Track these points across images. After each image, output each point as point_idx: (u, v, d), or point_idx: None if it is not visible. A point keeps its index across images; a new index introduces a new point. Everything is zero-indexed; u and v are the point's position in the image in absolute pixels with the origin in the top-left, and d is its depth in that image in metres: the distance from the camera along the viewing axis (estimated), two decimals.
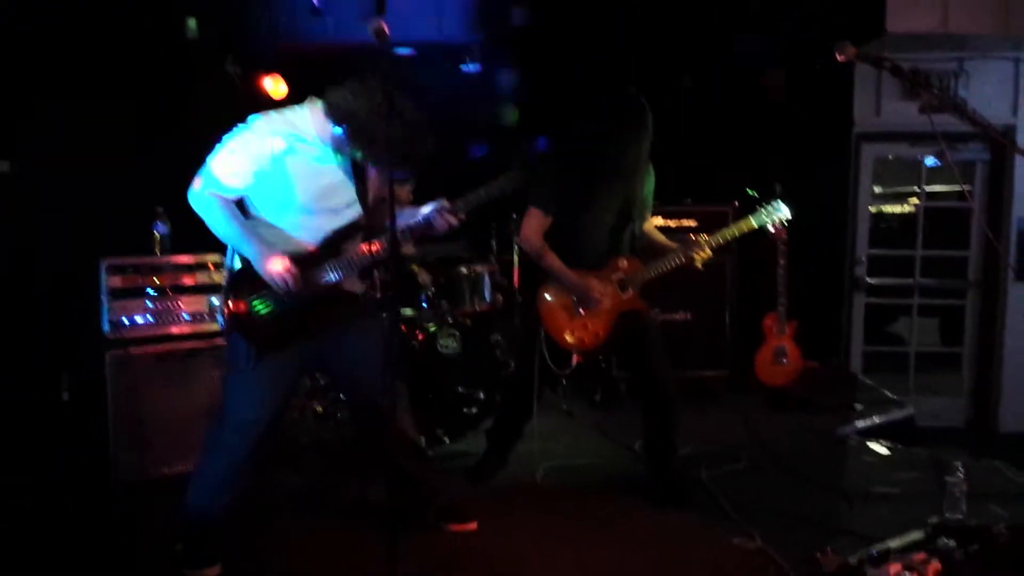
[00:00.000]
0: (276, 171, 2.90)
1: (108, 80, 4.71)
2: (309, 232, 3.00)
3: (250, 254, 2.91)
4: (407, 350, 4.43)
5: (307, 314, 3.01)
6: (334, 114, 2.93)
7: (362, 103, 2.87)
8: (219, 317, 3.15)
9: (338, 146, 2.98)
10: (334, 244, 3.03)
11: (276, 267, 2.88)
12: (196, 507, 3.07)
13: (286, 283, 2.89)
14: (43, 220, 4.30)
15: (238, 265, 2.96)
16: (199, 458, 3.15)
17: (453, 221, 3.14)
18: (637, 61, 6.27)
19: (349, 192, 3.06)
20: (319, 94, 2.99)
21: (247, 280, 2.94)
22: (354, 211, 3.07)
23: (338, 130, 2.93)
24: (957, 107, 2.59)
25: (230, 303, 2.96)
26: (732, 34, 5.99)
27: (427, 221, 3.12)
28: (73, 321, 4.01)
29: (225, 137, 2.92)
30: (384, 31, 2.63)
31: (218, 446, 3.06)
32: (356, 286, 3.12)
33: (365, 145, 2.92)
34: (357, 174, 3.07)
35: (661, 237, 3.99)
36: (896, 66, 2.68)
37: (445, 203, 3.13)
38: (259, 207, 2.99)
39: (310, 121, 2.98)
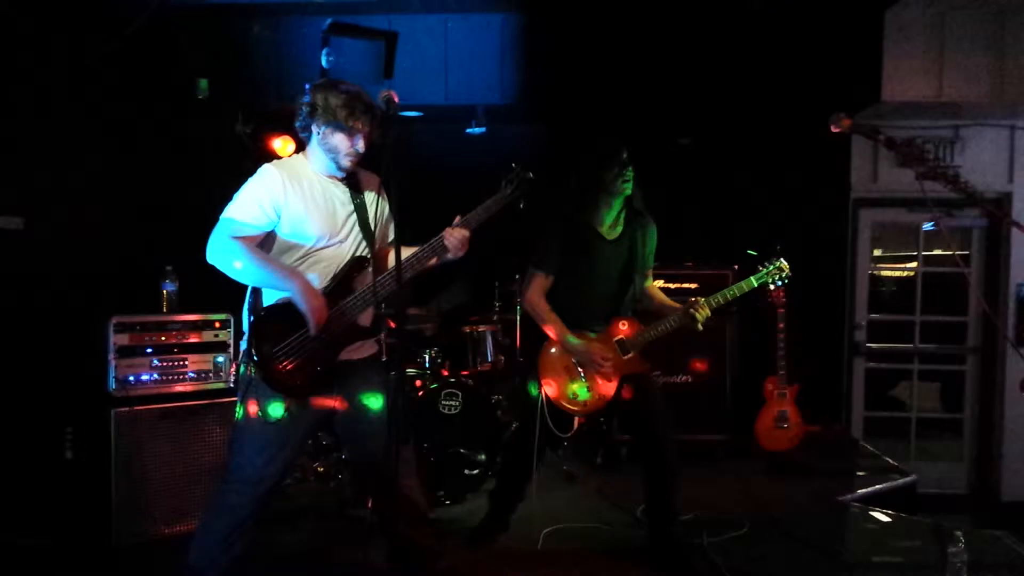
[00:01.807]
0: (288, 210, 2.97)
1: (119, 139, 4.80)
2: (322, 267, 3.05)
3: (289, 287, 2.93)
4: (409, 410, 4.44)
5: (326, 360, 3.03)
6: (305, 127, 3.03)
7: (312, 99, 3.00)
8: (237, 370, 3.14)
9: (328, 152, 3.05)
10: (345, 281, 3.08)
11: (316, 300, 2.93)
12: (196, 567, 3.05)
13: (320, 317, 2.93)
14: (52, 277, 4.34)
15: (254, 316, 3.00)
16: (203, 516, 3.14)
17: (464, 233, 3.15)
18: (635, 121, 6.40)
19: (353, 225, 3.12)
20: None
21: (269, 328, 2.97)
22: (359, 244, 3.12)
23: (315, 136, 3.03)
24: (948, 178, 2.66)
25: (254, 352, 2.96)
26: (731, 96, 6.10)
27: (440, 242, 3.13)
28: (79, 378, 4.03)
29: (239, 189, 3.00)
30: (393, 99, 2.72)
31: (223, 503, 3.06)
32: (367, 321, 3.15)
33: (332, 119, 2.98)
34: (360, 209, 3.13)
35: (663, 296, 4.03)
36: (890, 139, 2.76)
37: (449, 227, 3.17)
38: (274, 250, 3.04)
39: (306, 160, 3.10)
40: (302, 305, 2.93)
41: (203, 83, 5.57)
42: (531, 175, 3.30)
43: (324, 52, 5.61)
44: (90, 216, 4.57)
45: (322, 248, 3.05)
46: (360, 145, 3.06)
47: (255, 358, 2.95)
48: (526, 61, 6.03)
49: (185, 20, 5.36)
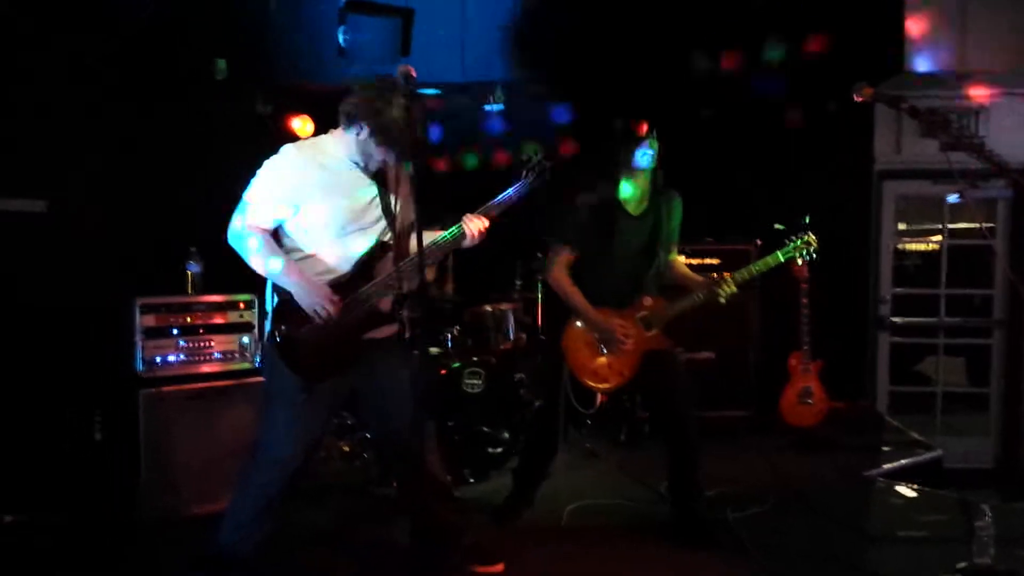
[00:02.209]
0: (310, 196, 2.98)
1: (141, 120, 4.81)
2: (344, 255, 3.06)
3: (291, 286, 2.97)
4: (433, 389, 4.46)
5: (348, 343, 3.05)
6: (350, 118, 3.01)
7: (370, 97, 2.97)
8: (260, 353, 3.18)
9: (361, 153, 3.04)
10: (367, 267, 3.09)
11: (317, 297, 2.95)
12: (227, 544, 3.10)
13: (328, 312, 2.95)
14: (78, 259, 4.37)
15: (278, 298, 3.02)
16: (233, 494, 3.19)
17: (485, 222, 3.17)
18: (656, 94, 6.35)
19: (377, 210, 3.12)
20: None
21: (291, 311, 2.99)
22: (381, 229, 3.12)
23: (355, 131, 3.00)
24: (974, 147, 2.62)
25: (278, 335, 2.99)
26: (754, 68, 6.03)
27: (459, 229, 3.14)
28: (107, 360, 4.06)
29: (259, 170, 3.01)
30: (412, 74, 2.70)
31: (253, 482, 3.10)
32: (387, 305, 3.16)
33: (383, 136, 2.98)
34: (383, 194, 3.13)
35: (687, 271, 4.01)
36: (913, 107, 2.71)
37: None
38: (294, 236, 3.05)
39: (334, 144, 3.08)
40: (303, 303, 2.96)
41: (221, 63, 5.57)
42: (550, 163, 3.28)
43: (341, 30, 5.60)
44: (113, 198, 4.58)
45: (345, 234, 3.05)
46: (392, 160, 3.07)
47: (278, 340, 2.97)
48: (544, 35, 5.99)
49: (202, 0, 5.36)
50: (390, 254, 3.13)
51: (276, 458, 3.06)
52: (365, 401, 3.26)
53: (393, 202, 3.13)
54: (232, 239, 3.02)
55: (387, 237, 3.12)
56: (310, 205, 2.99)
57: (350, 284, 3.05)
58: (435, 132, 6.21)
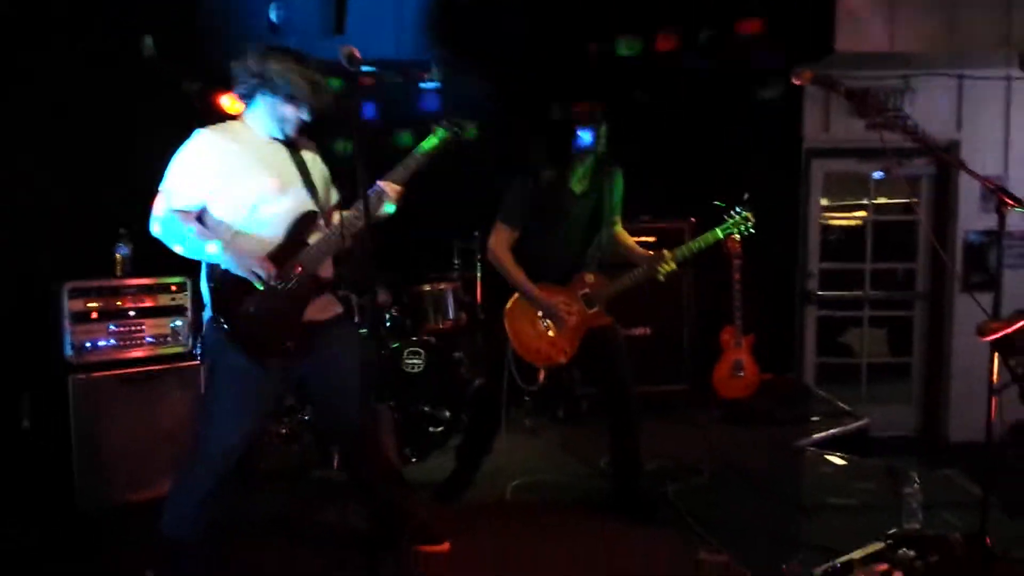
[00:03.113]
0: (227, 174, 2.94)
1: (65, 100, 4.65)
2: (272, 225, 3.02)
3: (222, 259, 2.91)
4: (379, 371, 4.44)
5: (292, 313, 3.02)
6: (248, 95, 3.00)
7: (255, 66, 2.96)
8: (201, 344, 3.11)
9: (275, 120, 3.02)
10: (298, 234, 3.06)
11: (249, 260, 2.91)
12: (172, 532, 3.04)
13: (267, 272, 2.91)
14: (3, 242, 4.22)
15: (213, 282, 2.96)
16: (174, 482, 3.13)
17: (395, 187, 3.13)
18: (590, 76, 6.37)
19: (297, 180, 3.10)
20: None
21: (229, 289, 2.93)
22: (306, 200, 3.10)
23: (259, 103, 2.99)
24: (906, 129, 2.71)
25: (222, 319, 2.93)
26: (683, 50, 6.09)
27: (375, 194, 3.09)
28: (35, 346, 3.94)
29: (173, 156, 2.96)
30: (356, 55, 2.66)
31: (195, 473, 3.05)
32: (329, 272, 3.16)
33: (285, 93, 2.96)
34: (299, 164, 3.12)
35: (631, 243, 4.04)
36: (850, 90, 2.80)
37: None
38: (218, 216, 2.99)
39: (244, 125, 3.07)
40: (234, 268, 2.92)
41: (148, 40, 5.40)
42: (458, 130, 3.27)
43: (273, 6, 5.49)
44: (38, 181, 4.42)
45: (268, 206, 3.01)
46: (307, 115, 3.05)
47: (222, 322, 2.92)
48: (479, 12, 5.94)
49: None
50: (320, 222, 3.12)
51: (219, 449, 3.01)
52: (314, 386, 3.23)
53: (316, 175, 3.15)
54: (154, 226, 2.96)
55: (310, 206, 3.10)
56: (230, 183, 2.95)
57: (285, 253, 3.02)
58: (369, 110, 6.12)
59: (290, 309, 3.02)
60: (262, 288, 2.94)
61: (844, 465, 4.68)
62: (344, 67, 2.61)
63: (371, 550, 2.53)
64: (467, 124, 3.31)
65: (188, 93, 5.73)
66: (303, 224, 3.07)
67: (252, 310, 2.94)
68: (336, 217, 3.16)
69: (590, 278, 3.86)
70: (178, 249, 2.98)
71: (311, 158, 3.20)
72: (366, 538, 2.59)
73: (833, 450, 4.96)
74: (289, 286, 2.99)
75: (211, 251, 2.92)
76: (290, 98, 2.99)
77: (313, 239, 3.08)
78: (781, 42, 5.82)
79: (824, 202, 7.13)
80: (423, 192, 3.84)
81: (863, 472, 4.54)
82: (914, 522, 3.36)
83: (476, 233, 5.34)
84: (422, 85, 6.26)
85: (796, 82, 2.81)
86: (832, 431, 5.28)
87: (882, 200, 7.22)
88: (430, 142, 3.22)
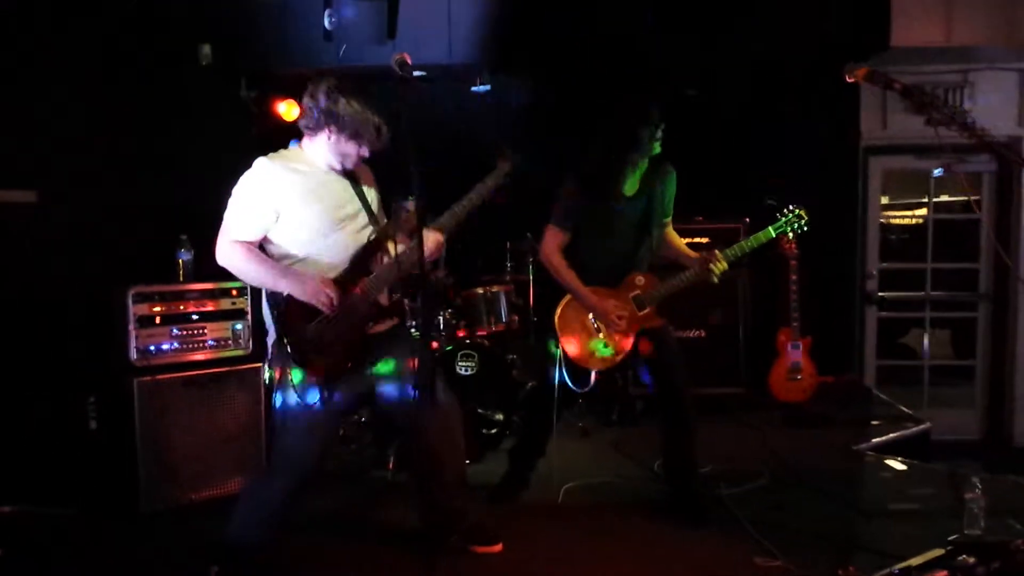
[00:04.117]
0: (290, 204, 3.02)
1: (129, 108, 4.78)
2: (334, 253, 3.09)
3: (288, 287, 3.00)
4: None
5: (356, 338, 3.09)
6: (315, 127, 3.05)
7: (325, 101, 3.02)
8: (269, 364, 3.19)
9: (336, 155, 3.08)
10: (362, 263, 3.12)
11: (316, 286, 2.99)
12: (240, 534, 3.13)
13: (331, 300, 2.99)
14: (69, 249, 4.36)
15: (277, 310, 3.04)
16: (245, 492, 3.25)
17: (439, 237, 3.22)
18: (642, 72, 6.34)
19: (358, 209, 3.16)
20: None
21: (293, 316, 3.02)
22: (365, 226, 3.17)
23: (323, 136, 3.05)
24: (964, 125, 2.64)
25: (287, 344, 3.01)
26: (738, 47, 6.03)
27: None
28: (100, 349, 4.06)
29: (235, 188, 3.04)
30: (407, 61, 2.71)
31: (266, 489, 3.16)
32: (386, 300, 3.22)
33: (350, 132, 3.03)
34: (360, 192, 3.18)
35: (681, 244, 4.01)
36: (905, 87, 2.73)
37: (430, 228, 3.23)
38: (281, 243, 3.08)
39: (303, 153, 3.13)
40: (302, 296, 2.99)
41: (206, 48, 5.53)
42: (511, 164, 3.34)
43: (327, 13, 5.57)
44: (103, 188, 4.56)
45: (330, 236, 3.08)
46: (367, 152, 3.12)
47: (287, 347, 2.99)
48: (530, 14, 5.96)
49: None
50: (381, 251, 3.18)
51: (291, 468, 3.12)
52: (378, 394, 3.29)
53: (370, 199, 3.21)
54: (220, 258, 3.05)
55: (373, 234, 3.17)
56: (292, 212, 3.02)
57: (348, 280, 3.09)
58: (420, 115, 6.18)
59: (351, 333, 3.09)
60: (327, 313, 3.01)
61: (904, 470, 4.59)
62: (395, 72, 2.65)
63: (424, 551, 2.54)
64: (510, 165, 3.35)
65: (245, 100, 5.86)
66: (366, 253, 3.14)
67: (315, 335, 3.03)
68: (392, 246, 3.21)
69: (641, 280, 3.85)
70: (244, 278, 3.10)
71: (368, 186, 3.26)
72: (419, 538, 2.62)
73: (893, 454, 4.87)
74: (352, 313, 3.06)
75: (274, 280, 3.01)
76: (355, 136, 3.05)
77: (376, 264, 3.15)
78: (836, 38, 5.73)
79: (884, 200, 7.01)
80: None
81: (924, 477, 4.45)
82: (976, 528, 3.28)
83: (528, 235, 5.35)
84: (474, 89, 6.31)
85: (849, 79, 2.76)
86: (892, 435, 5.19)
87: (944, 198, 7.08)
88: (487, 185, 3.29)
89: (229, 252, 3.01)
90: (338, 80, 3.06)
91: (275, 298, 3.05)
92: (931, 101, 2.64)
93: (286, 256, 3.09)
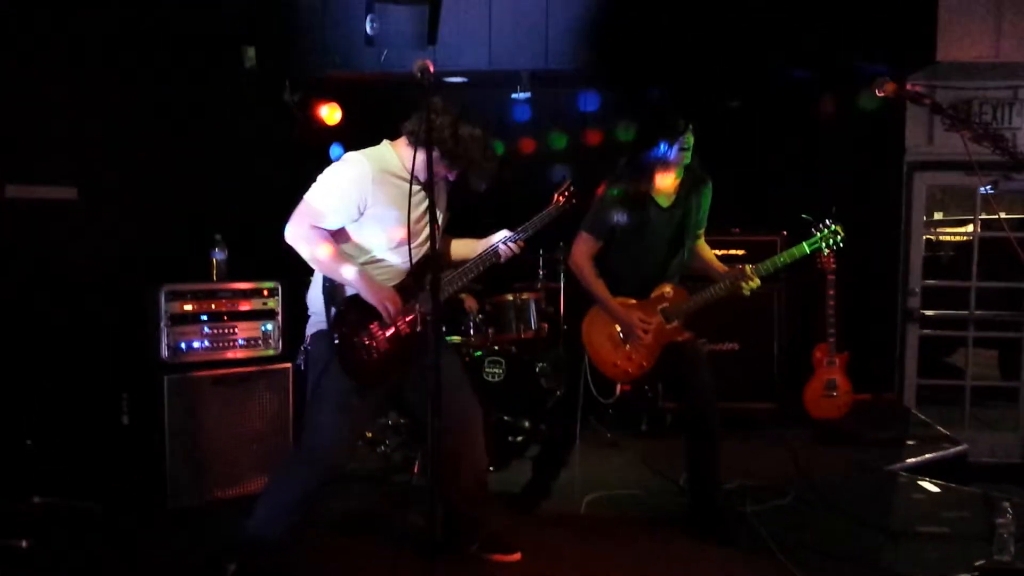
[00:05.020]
0: (374, 205, 3.03)
1: (168, 108, 4.88)
2: (401, 263, 3.13)
3: (361, 287, 3.03)
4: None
5: (402, 349, 3.13)
6: (433, 139, 3.01)
7: (443, 121, 3.04)
8: (307, 354, 3.21)
9: (422, 165, 3.03)
10: (421, 275, 3.14)
11: (389, 294, 3.04)
12: (260, 529, 3.16)
13: (395, 309, 3.03)
14: (107, 245, 4.45)
15: (342, 303, 3.07)
16: (269, 484, 3.28)
17: (515, 249, 3.33)
18: (685, 84, 6.30)
19: (426, 219, 3.13)
20: (373, 122, 3.16)
21: (354, 315, 3.05)
22: (427, 238, 3.16)
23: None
24: (997, 142, 2.59)
25: (336, 336, 3.04)
26: (782, 58, 5.97)
27: (495, 250, 3.31)
28: (133, 346, 4.13)
29: (322, 174, 3.06)
30: (428, 68, 2.70)
31: (292, 477, 3.18)
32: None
33: (454, 157, 3.08)
34: (431, 206, 3.15)
35: (712, 257, 3.98)
36: (936, 103, 2.71)
37: (507, 232, 3.33)
38: (356, 240, 3.10)
39: (396, 156, 3.12)
40: (371, 298, 3.03)
41: (251, 52, 5.62)
42: (574, 193, 3.52)
43: (368, 18, 5.62)
44: (141, 186, 4.66)
45: (400, 247, 3.10)
46: (452, 177, 3.18)
47: (336, 343, 3.03)
48: (571, 23, 5.96)
49: None
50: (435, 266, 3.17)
51: (320, 460, 3.14)
52: (410, 397, 3.31)
53: (438, 213, 3.20)
54: (291, 237, 3.04)
55: (432, 246, 3.15)
56: (374, 214, 3.05)
57: (407, 291, 3.13)
58: None
59: (399, 344, 3.12)
60: (388, 323, 3.06)
61: (938, 492, 4.49)
62: (417, 79, 2.66)
63: (440, 558, 2.54)
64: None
65: (288, 103, 5.94)
66: (426, 266, 3.13)
67: (366, 340, 3.07)
68: (450, 249, 3.34)
69: (669, 292, 3.81)
70: (312, 263, 3.08)
71: (440, 202, 3.29)
72: (432, 543, 2.62)
73: (928, 475, 4.76)
74: (400, 326, 3.11)
75: (347, 275, 3.03)
76: (456, 161, 3.09)
77: (426, 283, 3.14)
78: (883, 52, 5.65)
79: (938, 215, 6.87)
80: (508, 202, 3.91)
81: (958, 500, 4.35)
82: (1005, 554, 3.20)
83: (560, 244, 5.34)
84: (513, 96, 6.33)
85: (880, 94, 2.72)
86: (927, 455, 5.08)
87: (995, 215, 6.91)
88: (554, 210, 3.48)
89: (308, 235, 3.01)
90: (465, 105, 3.10)
91: (336, 292, 3.06)
92: (962, 117, 2.59)
93: (358, 252, 3.11)
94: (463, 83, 6.18)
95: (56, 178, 4.40)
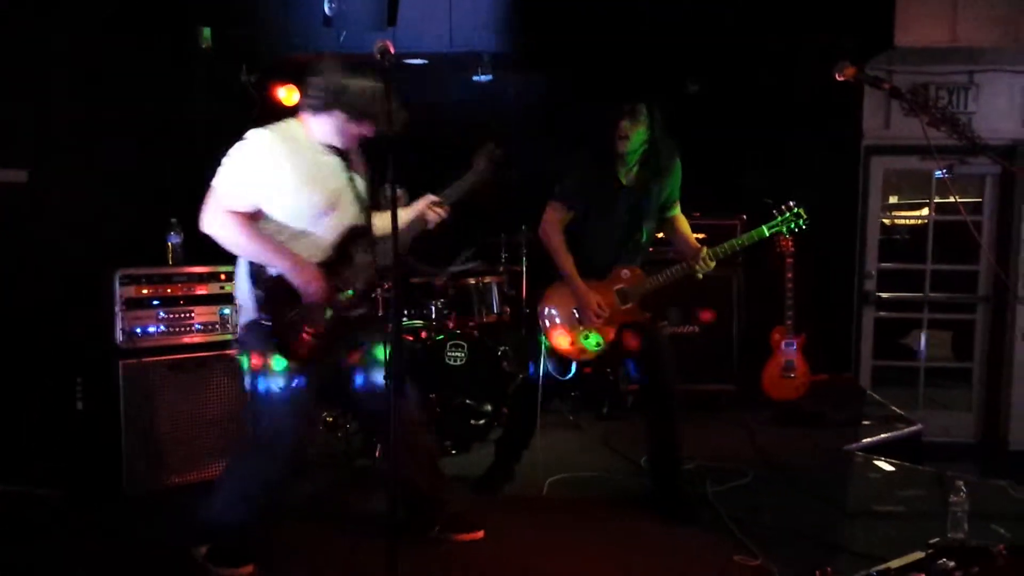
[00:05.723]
0: (281, 183, 2.93)
1: (122, 91, 4.77)
2: (323, 235, 3.05)
3: (286, 267, 2.94)
4: (414, 361, 4.47)
5: (331, 327, 3.07)
6: (320, 106, 2.98)
7: (336, 79, 2.96)
8: (242, 343, 3.13)
9: (338, 134, 3.03)
10: (345, 249, 3.09)
11: (314, 271, 2.96)
12: (222, 511, 3.13)
13: (319, 291, 2.96)
14: (59, 229, 4.35)
15: (263, 285, 2.98)
16: (224, 477, 3.22)
17: (442, 213, 3.28)
18: (643, 65, 6.29)
19: (347, 191, 3.10)
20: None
21: (278, 296, 2.97)
22: (354, 213, 3.12)
23: (326, 116, 3.00)
24: (955, 127, 2.63)
25: (264, 320, 2.97)
26: (740, 43, 5.99)
27: (422, 217, 3.28)
28: (87, 330, 4.05)
29: (227, 156, 2.95)
30: (389, 50, 2.66)
31: (247, 469, 3.14)
32: (362, 287, 3.20)
33: (357, 112, 2.98)
34: (351, 176, 3.13)
35: (686, 232, 3.97)
36: (895, 88, 2.73)
37: (432, 196, 3.29)
38: (273, 219, 3.00)
39: (304, 128, 3.05)
40: (296, 279, 2.95)
41: (206, 32, 5.50)
42: (499, 152, 3.41)
43: None
44: (94, 170, 4.55)
45: (318, 219, 3.03)
46: (369, 132, 3.07)
47: (266, 324, 2.96)
48: (530, 5, 5.92)
49: None
50: (364, 239, 3.11)
51: (272, 450, 3.08)
52: (347, 380, 3.27)
53: (359, 183, 3.14)
54: (206, 226, 2.94)
55: (359, 219, 3.11)
56: (284, 192, 2.94)
57: (332, 267, 3.05)
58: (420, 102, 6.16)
59: (329, 319, 3.06)
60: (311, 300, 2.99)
61: (893, 471, 4.56)
62: (377, 61, 2.62)
63: (393, 536, 2.53)
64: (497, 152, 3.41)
65: (245, 84, 5.84)
66: (350, 239, 3.09)
67: (295, 318, 2.99)
68: (376, 221, 3.15)
69: (627, 273, 3.82)
70: (234, 249, 2.97)
71: (358, 170, 3.19)
72: (394, 525, 2.61)
73: (884, 455, 4.84)
74: (336, 304, 3.06)
75: (271, 256, 2.94)
76: (361, 116, 2.99)
77: (358, 254, 3.11)
78: (840, 36, 5.69)
79: (893, 199, 6.97)
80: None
81: (912, 479, 4.42)
82: (959, 532, 3.25)
83: (523, 227, 5.33)
84: (474, 79, 6.28)
85: (840, 78, 2.74)
86: (883, 435, 5.16)
87: (949, 199, 7.01)
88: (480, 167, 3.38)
89: (223, 221, 2.90)
90: (351, 60, 3.00)
91: (259, 274, 2.97)
92: (920, 101, 2.62)
93: (275, 231, 2.99)
94: (423, 65, 6.13)
95: (5, 160, 4.28)
